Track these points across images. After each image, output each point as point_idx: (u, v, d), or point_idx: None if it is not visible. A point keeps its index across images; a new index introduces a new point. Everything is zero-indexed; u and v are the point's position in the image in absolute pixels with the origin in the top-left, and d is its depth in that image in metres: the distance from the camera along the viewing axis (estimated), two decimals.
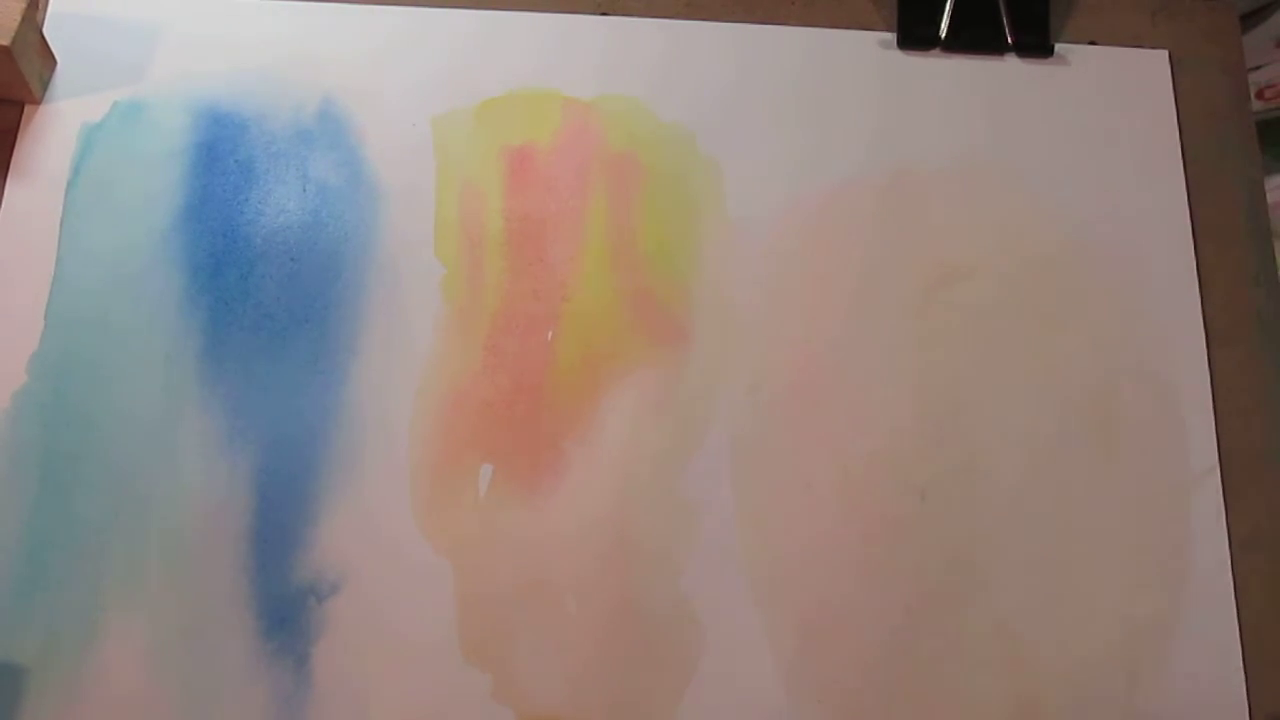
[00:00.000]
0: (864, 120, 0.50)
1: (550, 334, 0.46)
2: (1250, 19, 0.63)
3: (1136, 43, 0.52)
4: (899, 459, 0.45)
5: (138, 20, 0.50)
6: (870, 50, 0.52)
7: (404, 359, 0.45)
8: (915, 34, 0.52)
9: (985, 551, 0.44)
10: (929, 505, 0.44)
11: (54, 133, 0.48)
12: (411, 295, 0.46)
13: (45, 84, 0.49)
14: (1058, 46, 0.52)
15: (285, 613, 0.41)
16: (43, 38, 0.48)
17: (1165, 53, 0.52)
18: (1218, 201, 0.49)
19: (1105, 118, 0.50)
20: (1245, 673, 0.42)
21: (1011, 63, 0.52)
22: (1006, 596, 0.43)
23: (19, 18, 0.45)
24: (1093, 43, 0.52)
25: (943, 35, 0.51)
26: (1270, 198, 0.50)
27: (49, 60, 0.49)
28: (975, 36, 0.52)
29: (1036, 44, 0.52)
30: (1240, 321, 0.47)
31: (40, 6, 0.49)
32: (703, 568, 0.43)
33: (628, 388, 0.45)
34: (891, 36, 0.52)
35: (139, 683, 0.40)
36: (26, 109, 0.48)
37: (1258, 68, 0.66)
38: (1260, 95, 0.67)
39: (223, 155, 0.48)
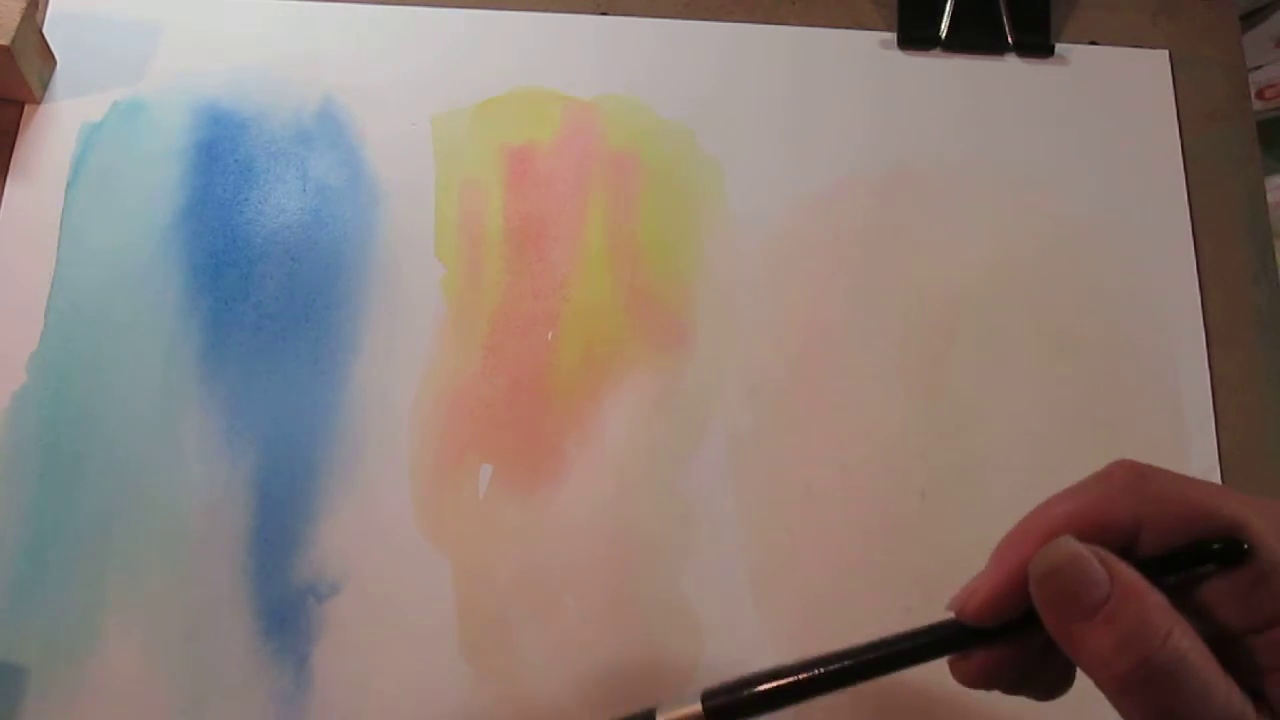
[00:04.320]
0: (864, 120, 0.50)
1: (550, 334, 0.46)
2: (1250, 19, 0.63)
3: (1136, 43, 0.52)
4: (899, 459, 0.45)
5: (137, 20, 0.50)
6: (870, 50, 0.52)
7: (404, 359, 0.45)
8: (915, 34, 0.52)
9: (985, 551, 0.43)
10: (929, 505, 0.44)
11: (54, 132, 0.48)
12: (411, 295, 0.46)
13: (45, 84, 0.49)
14: (1058, 46, 0.52)
15: (285, 613, 0.41)
16: (43, 37, 0.48)
17: (1165, 53, 0.52)
18: (1218, 201, 0.49)
19: (1105, 118, 0.50)
20: None
21: (1011, 63, 0.52)
22: None
23: (19, 17, 0.45)
24: (1093, 43, 0.52)
25: (943, 35, 0.51)
26: (1270, 198, 0.50)
27: (49, 60, 0.49)
28: (975, 36, 0.52)
29: (1036, 44, 0.51)
30: (1240, 321, 0.47)
31: (40, 6, 0.49)
32: (703, 567, 0.43)
33: (628, 388, 0.45)
34: (891, 36, 0.52)
35: (139, 683, 0.40)
36: (26, 109, 0.48)
37: (1258, 68, 0.66)
38: (1260, 95, 0.67)
39: (222, 154, 0.48)
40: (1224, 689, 0.25)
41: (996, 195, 0.49)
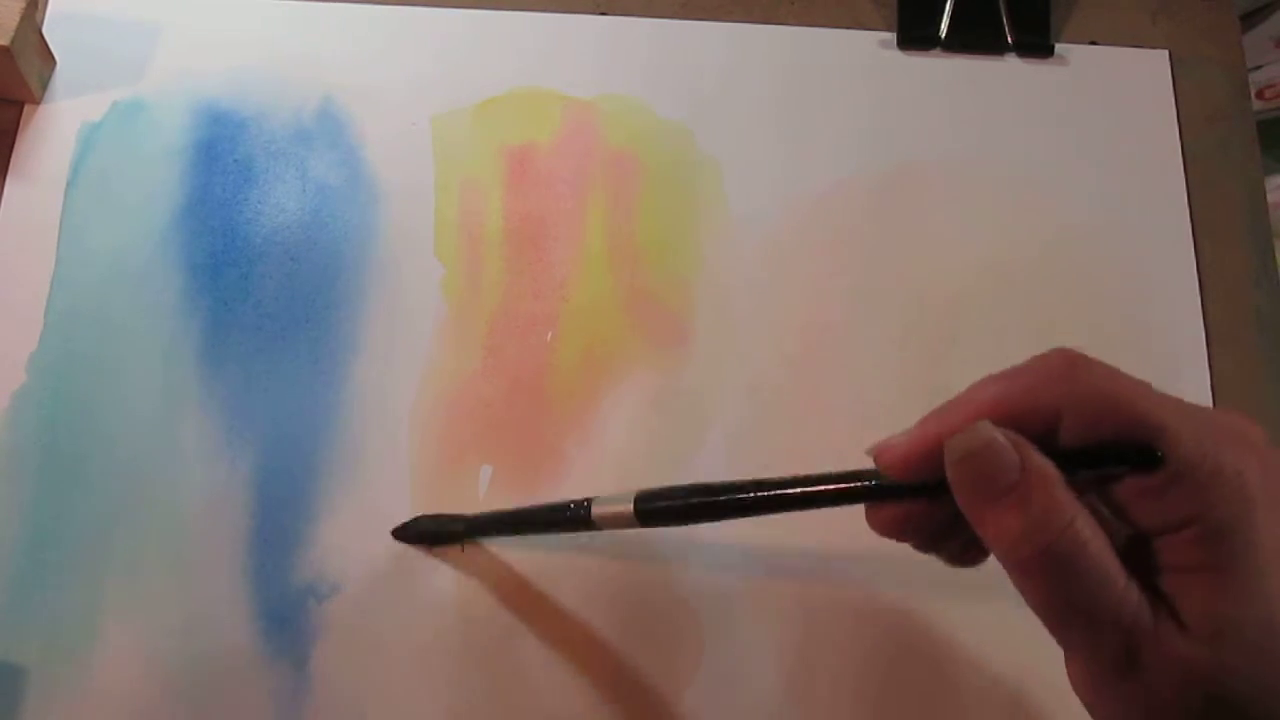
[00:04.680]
0: (863, 120, 0.50)
1: (550, 334, 0.46)
2: (1250, 19, 0.63)
3: (1136, 43, 0.52)
4: None
5: (137, 20, 0.50)
6: (870, 50, 0.52)
7: (404, 359, 0.45)
8: (915, 34, 0.52)
9: None
10: None
11: (53, 132, 0.48)
12: (411, 295, 0.46)
13: (45, 84, 0.48)
14: (1058, 46, 0.52)
15: (285, 613, 0.41)
16: (42, 37, 0.48)
17: (1165, 53, 0.52)
18: (1218, 201, 0.49)
19: (1105, 118, 0.50)
20: None
21: (1011, 63, 0.52)
22: (1006, 596, 0.43)
23: (19, 17, 0.45)
24: (1093, 43, 0.52)
25: (943, 35, 0.51)
26: (1270, 198, 0.50)
27: (48, 60, 0.49)
28: (975, 36, 0.52)
29: (1036, 44, 0.52)
30: (1240, 321, 0.47)
31: (40, 6, 0.49)
32: (703, 568, 0.43)
33: (628, 388, 0.45)
34: (891, 36, 0.52)
35: (139, 683, 0.40)
36: (26, 109, 0.48)
37: (1258, 68, 0.66)
38: (1260, 95, 0.67)
39: (222, 154, 0.48)
40: (1123, 582, 0.26)
41: (996, 195, 0.49)
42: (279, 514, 0.43)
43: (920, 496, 0.29)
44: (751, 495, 0.31)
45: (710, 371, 0.46)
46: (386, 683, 0.41)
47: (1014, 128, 0.50)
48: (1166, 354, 0.47)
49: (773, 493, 0.31)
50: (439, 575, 0.42)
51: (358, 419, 0.44)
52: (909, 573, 0.43)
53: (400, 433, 0.44)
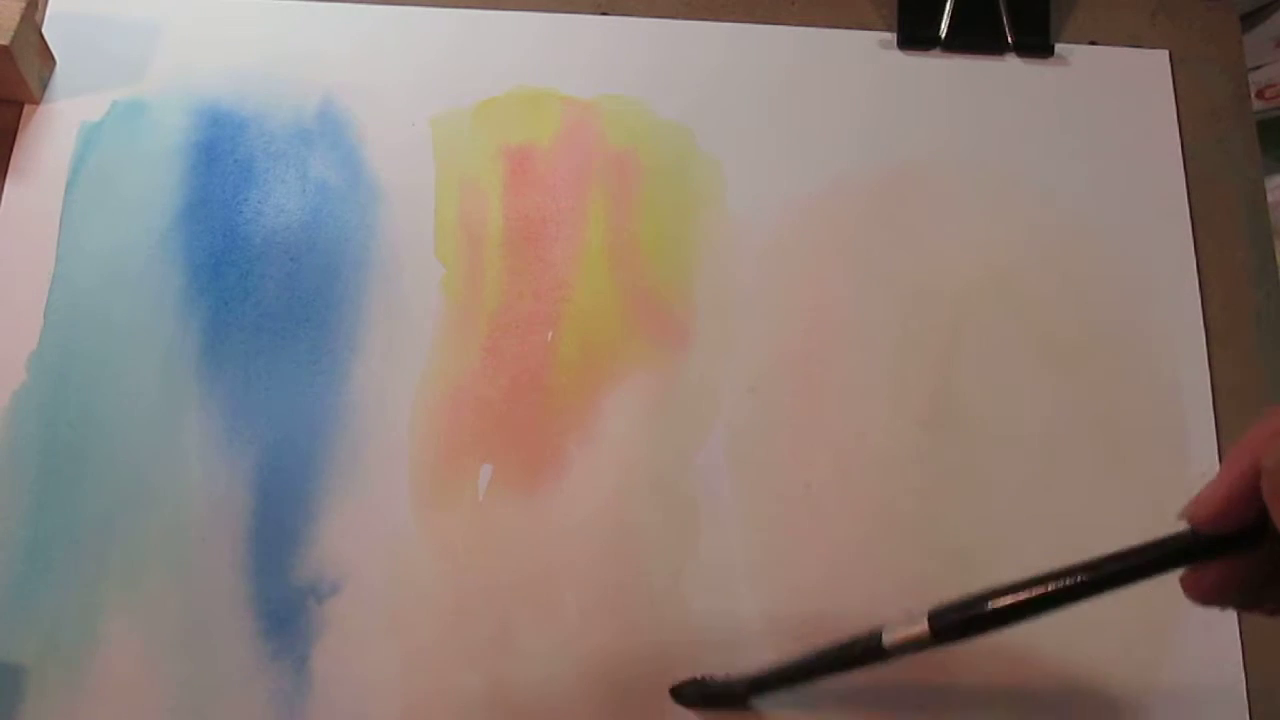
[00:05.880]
0: (863, 120, 0.50)
1: (550, 334, 0.46)
2: (1250, 19, 0.63)
3: (1136, 43, 0.52)
4: (899, 459, 0.45)
5: (137, 20, 0.50)
6: (870, 50, 0.52)
7: (404, 359, 0.45)
8: (915, 34, 0.52)
9: (985, 552, 0.44)
10: (928, 505, 0.44)
11: (53, 132, 0.48)
12: (411, 295, 0.46)
13: (44, 84, 0.49)
14: (1058, 46, 0.52)
15: (285, 613, 0.41)
16: (42, 37, 0.48)
17: (1165, 53, 0.52)
18: (1218, 201, 0.49)
19: (1105, 118, 0.50)
20: (1245, 672, 0.42)
21: (1011, 63, 0.52)
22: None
23: (18, 17, 0.45)
24: (1093, 43, 0.52)
25: (943, 35, 0.51)
26: (1270, 198, 0.50)
27: (48, 60, 0.49)
28: (975, 36, 0.52)
29: (1036, 44, 0.52)
30: (1240, 321, 0.47)
31: (40, 6, 0.49)
32: (703, 567, 0.43)
33: (628, 387, 0.45)
34: (891, 36, 0.52)
35: (139, 683, 0.40)
36: (26, 109, 0.48)
37: (1258, 68, 0.66)
38: (1260, 95, 0.67)
39: (222, 155, 0.48)
40: None
41: (996, 195, 0.49)
42: (279, 514, 0.43)
43: (1243, 545, 0.26)
44: (1058, 585, 0.28)
45: (710, 371, 0.46)
46: (386, 683, 0.41)
47: (1014, 128, 0.50)
48: (1166, 354, 0.47)
49: (1082, 578, 0.28)
50: (439, 574, 0.42)
51: (357, 419, 0.44)
52: (909, 572, 0.43)
53: (400, 432, 0.44)
